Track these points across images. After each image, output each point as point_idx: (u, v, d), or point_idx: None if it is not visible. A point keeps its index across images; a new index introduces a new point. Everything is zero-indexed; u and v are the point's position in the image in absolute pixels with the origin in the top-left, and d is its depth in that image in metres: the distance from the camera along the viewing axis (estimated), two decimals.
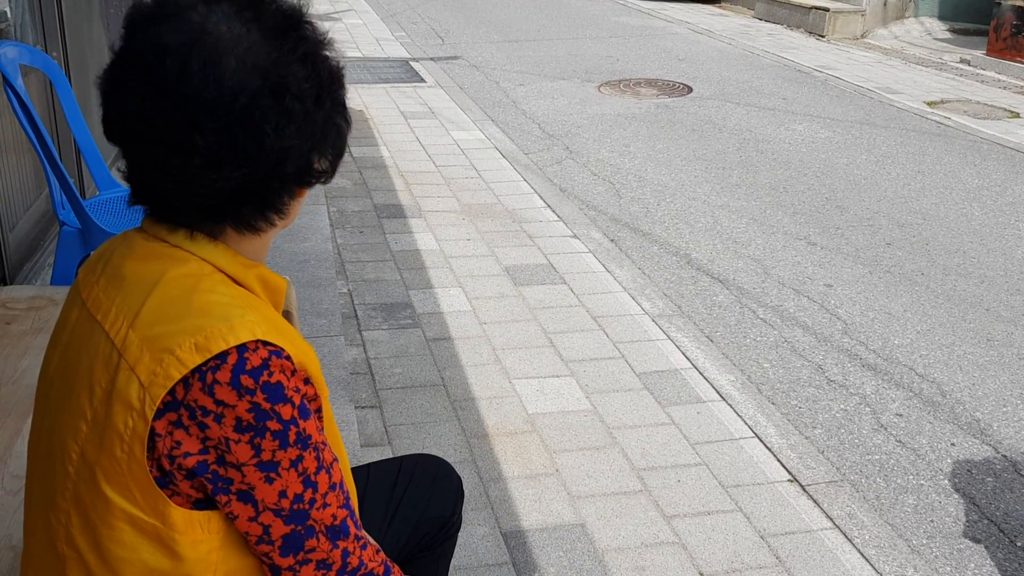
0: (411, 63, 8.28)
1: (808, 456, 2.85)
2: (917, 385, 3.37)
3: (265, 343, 1.01)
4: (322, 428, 1.09)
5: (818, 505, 2.62)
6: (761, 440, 2.91)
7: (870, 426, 3.11)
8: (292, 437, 1.02)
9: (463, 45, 9.33)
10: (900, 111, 7.28)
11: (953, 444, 3.03)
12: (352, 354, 3.28)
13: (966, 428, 3.12)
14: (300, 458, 1.03)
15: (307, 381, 1.06)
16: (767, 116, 6.98)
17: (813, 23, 10.69)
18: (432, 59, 8.55)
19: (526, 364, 3.28)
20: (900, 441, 3.03)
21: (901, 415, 3.18)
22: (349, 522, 1.10)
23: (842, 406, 3.22)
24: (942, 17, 11.36)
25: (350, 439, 2.70)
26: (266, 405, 1.00)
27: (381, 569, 1.14)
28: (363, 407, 2.96)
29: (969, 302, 4.05)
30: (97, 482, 1.02)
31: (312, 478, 1.04)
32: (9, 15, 3.52)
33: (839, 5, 10.71)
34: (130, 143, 1.05)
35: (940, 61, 9.27)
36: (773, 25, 11.27)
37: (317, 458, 1.05)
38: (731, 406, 3.09)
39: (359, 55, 8.53)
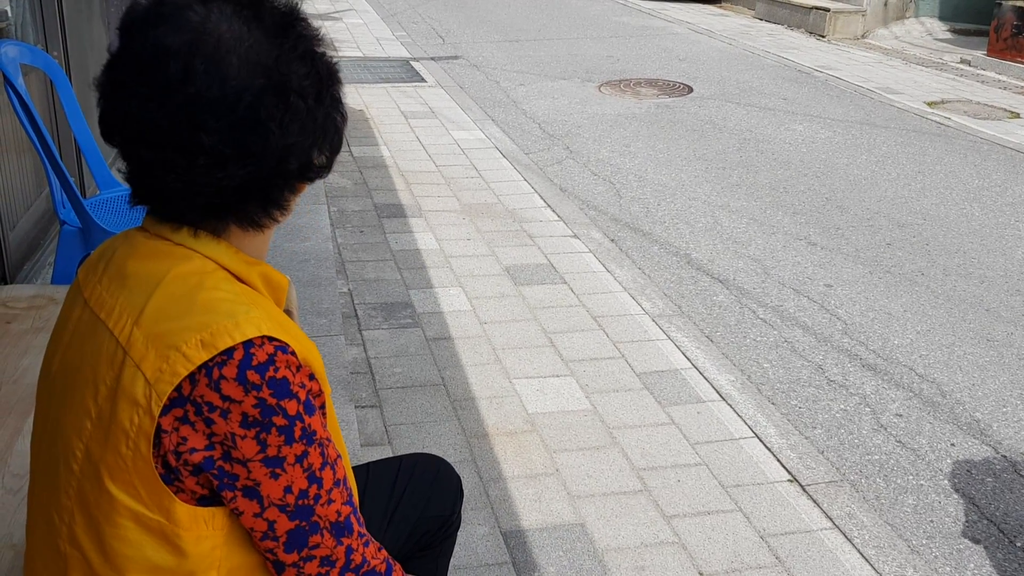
0: (411, 63, 8.28)
1: (808, 456, 2.85)
2: (917, 385, 3.38)
3: (270, 339, 1.02)
4: (326, 424, 1.09)
5: (818, 505, 2.62)
6: (761, 440, 2.91)
7: (870, 426, 3.11)
8: (297, 433, 1.02)
9: (464, 45, 9.33)
10: (900, 111, 7.28)
11: (953, 444, 3.03)
12: (352, 353, 3.28)
13: (966, 428, 3.13)
14: (305, 454, 1.03)
15: (312, 377, 1.06)
16: (767, 116, 6.98)
17: (813, 23, 10.69)
18: (433, 59, 8.55)
19: (526, 364, 3.28)
20: (900, 441, 3.04)
21: (901, 415, 3.18)
22: (353, 519, 1.10)
23: (842, 406, 3.22)
24: (942, 17, 11.36)
25: (350, 438, 2.71)
26: (272, 401, 1.00)
27: (383, 567, 1.14)
28: (363, 406, 2.96)
29: (969, 302, 4.05)
30: (102, 479, 1.02)
31: (317, 474, 1.05)
32: (10, 14, 3.53)
33: (840, 5, 10.71)
34: (132, 144, 1.05)
35: (940, 61, 9.27)
36: (773, 25, 11.27)
37: (322, 454, 1.05)
38: (731, 406, 3.09)
39: (359, 55, 8.53)
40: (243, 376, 0.99)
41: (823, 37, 10.47)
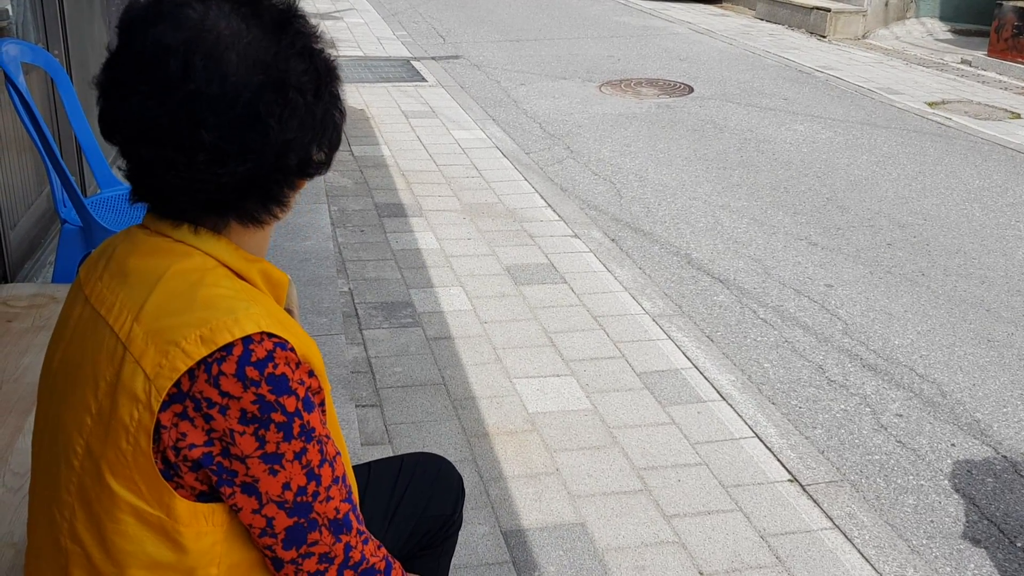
0: (412, 62, 8.28)
1: (808, 456, 2.85)
2: (917, 385, 3.38)
3: (270, 335, 1.02)
4: (325, 422, 1.09)
5: (818, 505, 2.62)
6: (761, 440, 2.91)
7: (870, 426, 3.11)
8: (296, 429, 1.02)
9: (464, 44, 9.33)
10: (901, 111, 7.28)
11: (953, 444, 3.03)
12: (353, 353, 3.28)
13: (966, 429, 3.12)
14: (304, 450, 1.03)
15: (311, 374, 1.07)
16: (768, 116, 6.98)
17: (814, 23, 10.69)
18: (433, 58, 8.55)
19: (526, 363, 3.28)
20: (900, 441, 3.04)
21: (901, 415, 3.18)
22: (352, 516, 1.10)
23: (842, 406, 3.22)
24: (943, 18, 11.36)
25: (351, 438, 2.71)
26: (271, 397, 1.00)
27: (383, 564, 1.14)
28: (363, 406, 2.96)
29: (970, 303, 4.05)
30: (102, 475, 1.02)
31: (316, 471, 1.05)
32: (11, 12, 3.52)
33: (840, 5, 10.71)
34: (132, 142, 1.06)
35: (941, 62, 9.27)
36: (774, 25, 11.27)
37: (321, 451, 1.06)
38: (731, 406, 3.09)
39: (360, 54, 8.53)
40: (242, 372, 0.99)
41: (824, 37, 10.47)
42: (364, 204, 4.76)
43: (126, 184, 3.21)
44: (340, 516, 1.08)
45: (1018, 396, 3.33)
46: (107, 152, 3.32)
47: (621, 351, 3.41)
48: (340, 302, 3.60)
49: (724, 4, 12.84)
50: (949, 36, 10.72)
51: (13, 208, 3.26)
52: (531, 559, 2.34)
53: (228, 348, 1.00)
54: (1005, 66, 8.72)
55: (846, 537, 2.50)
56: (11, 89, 2.64)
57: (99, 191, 3.16)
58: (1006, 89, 8.23)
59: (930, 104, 7.55)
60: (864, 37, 10.59)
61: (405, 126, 6.23)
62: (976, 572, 2.48)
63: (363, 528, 1.13)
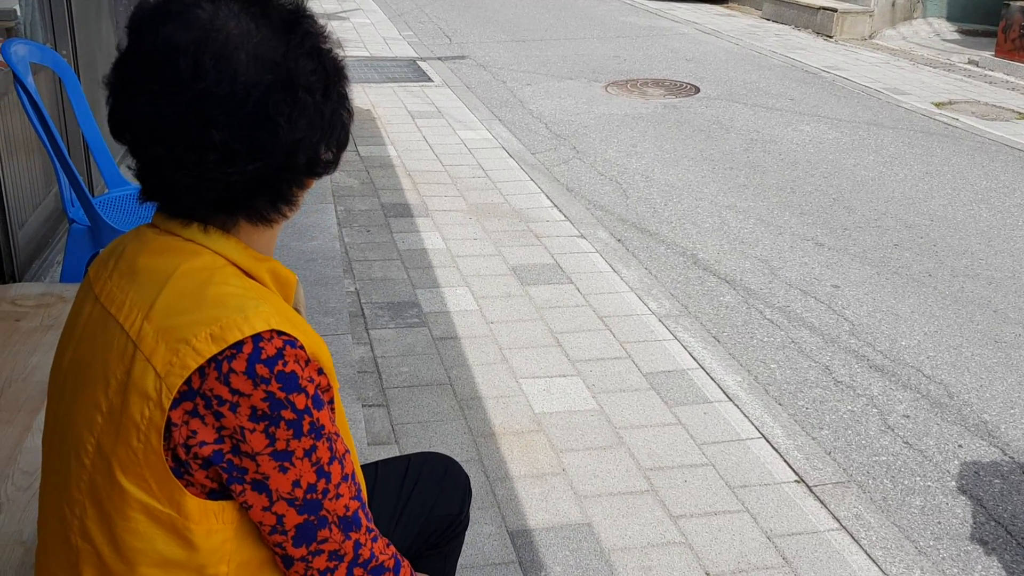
0: (418, 62, 8.29)
1: (815, 457, 2.85)
2: (924, 386, 3.37)
3: (280, 333, 1.03)
4: (334, 419, 1.09)
5: (825, 506, 2.62)
6: (768, 441, 2.90)
7: (877, 427, 3.10)
8: (306, 427, 1.03)
9: (470, 45, 9.34)
10: (908, 112, 7.27)
11: (960, 446, 3.03)
12: (359, 352, 3.29)
13: (973, 430, 3.12)
14: (313, 448, 1.04)
15: (320, 372, 1.07)
16: (774, 116, 6.97)
17: (821, 24, 10.67)
18: (439, 58, 8.56)
19: (533, 363, 3.28)
20: (907, 442, 3.03)
21: (908, 416, 3.18)
22: (361, 514, 1.10)
23: (849, 407, 3.22)
24: (950, 18, 11.34)
25: (357, 437, 2.71)
26: (281, 394, 1.01)
27: (392, 562, 1.15)
28: (370, 405, 2.96)
29: (977, 303, 4.04)
30: (113, 473, 1.03)
31: (325, 468, 1.05)
32: (19, 13, 3.54)
33: (847, 6, 10.69)
34: (142, 142, 1.06)
35: (948, 62, 9.24)
36: (780, 26, 11.25)
37: (330, 448, 1.06)
38: (738, 407, 3.09)
39: (366, 54, 8.54)
40: (252, 370, 1.00)
41: (830, 38, 10.45)
42: (370, 204, 4.77)
43: (133, 184, 3.22)
44: (350, 514, 1.09)
45: None
46: (115, 152, 3.33)
47: (627, 351, 3.41)
48: (346, 302, 3.60)
49: (730, 4, 12.83)
50: (956, 36, 10.69)
51: (21, 208, 3.27)
52: (537, 559, 2.34)
53: (238, 346, 1.00)
54: (1012, 66, 8.69)
55: (853, 538, 2.49)
56: (20, 89, 2.65)
57: (107, 191, 3.17)
58: (1013, 89, 8.21)
59: (937, 104, 7.53)
60: (871, 37, 10.56)
61: (411, 126, 6.23)
62: (983, 574, 2.48)
63: (372, 526, 1.13)
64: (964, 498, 2.77)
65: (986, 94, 8.00)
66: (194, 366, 1.00)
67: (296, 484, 1.04)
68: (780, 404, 3.20)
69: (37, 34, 3.70)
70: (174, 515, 1.03)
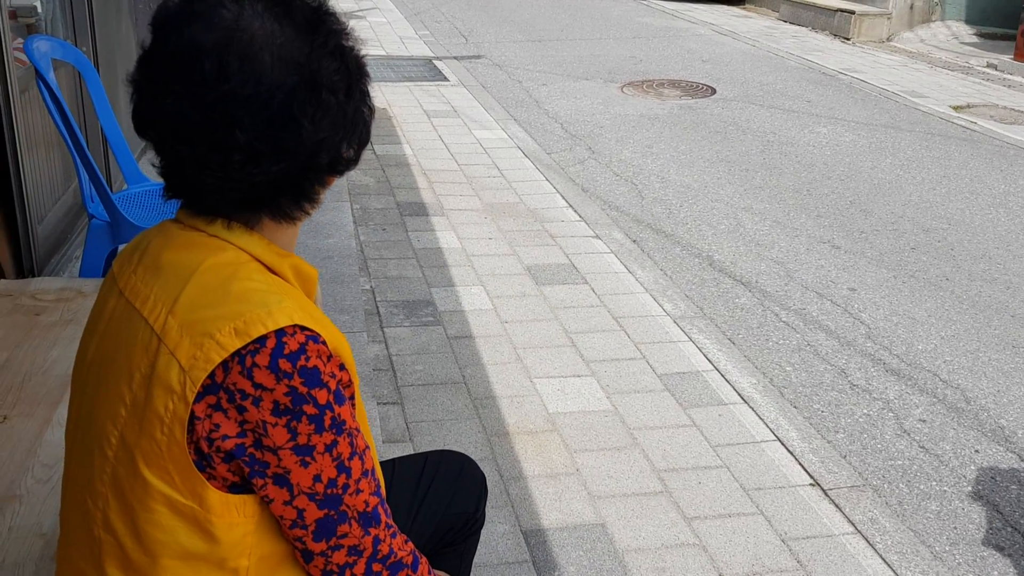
0: (434, 62, 8.30)
1: (830, 460, 2.84)
2: (941, 391, 3.35)
3: (302, 328, 1.03)
4: (355, 415, 1.10)
5: (840, 510, 2.61)
6: (783, 443, 2.89)
7: (893, 431, 3.09)
8: (327, 422, 1.03)
9: (486, 44, 9.34)
10: (925, 115, 7.23)
11: (977, 451, 3.01)
12: (374, 350, 3.30)
13: (990, 435, 3.10)
14: (335, 443, 1.04)
15: (342, 367, 1.08)
16: (791, 118, 6.94)
17: (838, 25, 10.62)
18: (455, 58, 8.57)
19: (547, 363, 3.28)
20: (923, 447, 3.01)
21: (924, 421, 3.16)
22: (380, 510, 1.11)
23: (865, 411, 3.20)
24: (969, 21, 11.26)
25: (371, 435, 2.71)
26: (303, 389, 1.01)
27: (410, 559, 1.15)
28: (385, 403, 2.97)
29: (994, 308, 4.02)
30: (136, 465, 1.04)
31: (346, 463, 1.06)
32: (39, 9, 3.56)
33: (865, 8, 10.64)
34: (167, 141, 1.07)
35: (966, 65, 9.19)
36: (798, 27, 11.21)
37: (351, 444, 1.06)
38: (753, 409, 3.08)
39: (383, 53, 8.56)
40: (275, 364, 1.00)
41: (848, 40, 10.40)
42: (386, 203, 4.78)
43: (152, 180, 3.24)
44: (369, 509, 1.09)
45: None
46: (133, 148, 3.35)
47: (642, 352, 3.41)
48: (362, 300, 3.61)
49: (747, 6, 12.79)
50: (975, 39, 10.63)
51: (41, 203, 3.29)
52: (551, 559, 2.34)
53: (262, 340, 1.01)
54: None
55: (868, 542, 2.48)
56: (41, 85, 2.67)
57: (126, 187, 3.19)
58: None
59: (955, 108, 7.49)
60: (888, 40, 10.51)
61: (427, 125, 6.24)
62: None
63: (391, 522, 1.14)
64: (980, 503, 2.75)
65: (1005, 98, 7.94)
66: (218, 360, 1.00)
67: (317, 479, 1.04)
68: (795, 407, 3.19)
69: (57, 31, 3.73)
70: (196, 508, 1.04)
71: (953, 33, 10.90)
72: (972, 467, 2.92)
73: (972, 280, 4.29)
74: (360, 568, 1.09)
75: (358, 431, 1.09)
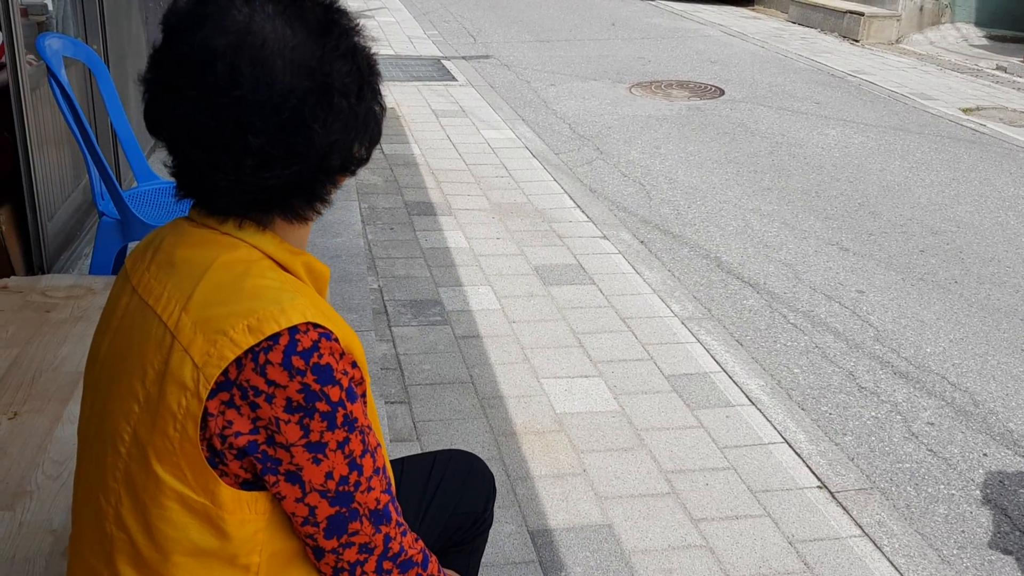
0: (443, 61, 8.31)
1: (838, 463, 2.83)
2: (949, 394, 3.34)
3: (315, 326, 1.04)
4: (367, 413, 1.10)
5: (847, 512, 2.60)
6: (790, 446, 2.89)
7: (901, 434, 3.08)
8: (340, 419, 1.04)
9: (495, 44, 9.35)
10: (935, 117, 7.21)
11: (985, 454, 3.00)
12: (382, 349, 3.30)
13: (999, 439, 3.09)
14: (347, 440, 1.05)
15: (354, 365, 1.08)
16: (800, 120, 6.93)
17: (847, 27, 10.60)
18: (464, 58, 8.57)
19: (554, 363, 3.28)
20: (931, 450, 3.01)
21: (933, 424, 3.15)
22: (391, 508, 1.11)
23: (873, 413, 3.19)
24: (979, 23, 11.22)
25: None
26: (316, 386, 1.01)
27: (420, 557, 1.15)
28: (392, 402, 2.98)
29: (1003, 311, 4.00)
30: (149, 462, 1.04)
31: (358, 461, 1.06)
32: (51, 7, 3.58)
33: (874, 10, 10.61)
34: (179, 143, 1.07)
35: (976, 68, 9.16)
36: (807, 29, 11.19)
37: (363, 441, 1.07)
38: (760, 411, 3.07)
39: (391, 53, 8.57)
40: (288, 361, 1.01)
41: (857, 41, 10.37)
42: (394, 202, 4.79)
43: (162, 178, 3.25)
44: (380, 507, 1.09)
45: None
46: (143, 145, 3.36)
47: (649, 353, 3.40)
48: (370, 299, 3.62)
49: (756, 7, 12.77)
50: (984, 42, 10.59)
51: (51, 200, 3.30)
52: (558, 559, 2.34)
53: (275, 338, 1.01)
54: None
55: (875, 545, 2.48)
56: (53, 82, 2.68)
57: (135, 184, 3.20)
58: None
59: (964, 110, 7.46)
60: (898, 42, 10.48)
61: (435, 125, 6.25)
62: None
63: (402, 520, 1.14)
64: (988, 507, 2.75)
65: (1014, 100, 7.91)
66: (231, 357, 1.01)
67: (329, 476, 1.04)
68: (803, 409, 3.18)
69: (68, 28, 3.74)
70: (208, 504, 1.04)
71: (963, 35, 10.87)
72: (980, 470, 2.91)
73: (981, 283, 4.27)
74: (371, 565, 1.10)
75: (370, 429, 1.09)
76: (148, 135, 1.11)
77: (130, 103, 3.96)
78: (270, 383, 1.01)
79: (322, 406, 1.02)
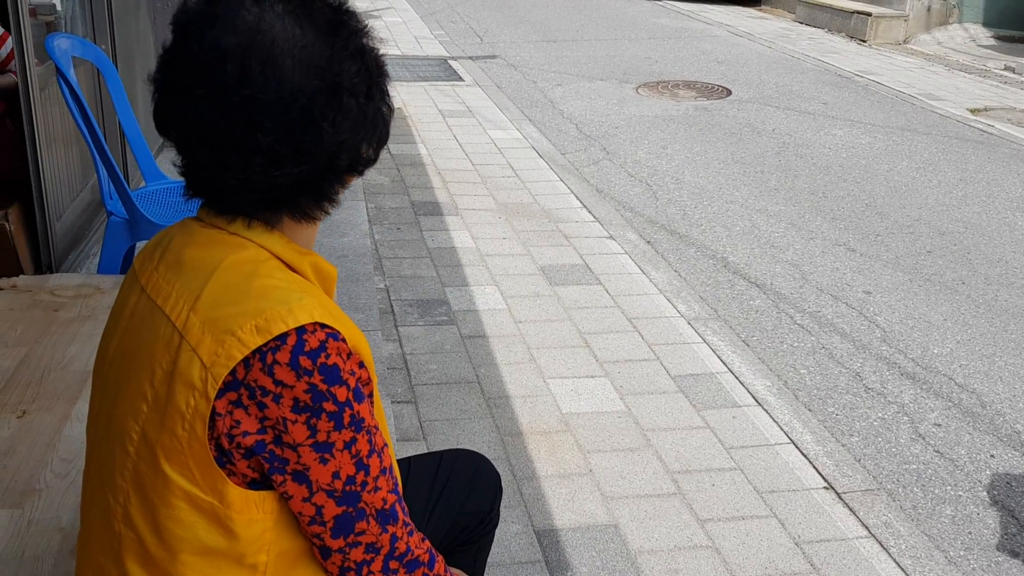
0: (449, 62, 8.31)
1: (844, 464, 2.83)
2: (956, 395, 3.33)
3: (323, 326, 1.04)
4: (374, 413, 1.10)
5: (854, 513, 2.60)
6: (797, 446, 2.89)
7: (908, 435, 3.08)
8: (346, 419, 1.04)
9: (501, 44, 9.35)
10: (942, 118, 7.19)
11: (992, 456, 2.99)
12: (388, 349, 3.31)
13: (1006, 440, 3.08)
14: (353, 440, 1.05)
15: (361, 365, 1.08)
16: (807, 120, 6.92)
17: (855, 27, 10.58)
18: (470, 58, 8.57)
19: (560, 364, 3.28)
20: (938, 451, 3.00)
21: (940, 425, 3.15)
22: (398, 508, 1.11)
23: (880, 414, 3.19)
24: (987, 23, 11.19)
25: None
26: (323, 386, 1.02)
27: (427, 557, 1.16)
28: (399, 402, 2.98)
29: (1011, 312, 3.99)
30: (157, 461, 1.04)
31: (364, 461, 1.06)
32: (59, 7, 3.59)
33: (881, 10, 10.59)
34: (188, 142, 1.07)
35: (984, 68, 9.13)
36: (814, 29, 11.17)
37: (369, 441, 1.07)
38: (767, 411, 3.07)
39: (398, 53, 8.58)
40: (296, 361, 1.01)
41: (864, 42, 10.35)
42: (401, 202, 4.79)
43: (170, 178, 3.26)
44: (387, 507, 1.10)
45: None
46: (151, 145, 3.37)
47: (656, 353, 3.40)
48: (376, 299, 3.62)
49: (763, 7, 12.75)
50: (992, 42, 10.56)
51: (59, 200, 3.32)
52: (564, 559, 2.34)
53: (282, 338, 1.01)
54: None
55: (882, 546, 2.47)
56: (61, 82, 2.69)
57: (143, 184, 3.21)
58: None
59: (972, 111, 7.44)
60: (905, 42, 10.46)
61: (442, 125, 6.25)
62: None
63: (409, 520, 1.14)
64: (995, 509, 2.74)
65: (1022, 101, 7.89)
66: (239, 357, 1.01)
67: (336, 476, 1.05)
68: (810, 410, 3.18)
69: (77, 28, 3.76)
70: (216, 504, 1.04)
71: (970, 36, 10.84)
72: (987, 472, 2.91)
73: (988, 284, 4.26)
74: (377, 565, 1.10)
75: (376, 429, 1.09)
76: (156, 135, 1.12)
77: (138, 103, 3.98)
78: (277, 383, 1.01)
79: (329, 406, 1.03)
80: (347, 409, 1.04)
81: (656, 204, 5.10)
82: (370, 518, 1.08)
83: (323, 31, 1.06)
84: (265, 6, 1.04)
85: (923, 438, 3.07)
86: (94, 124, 2.71)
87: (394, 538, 1.11)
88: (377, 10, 10.94)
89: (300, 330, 1.02)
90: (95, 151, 2.75)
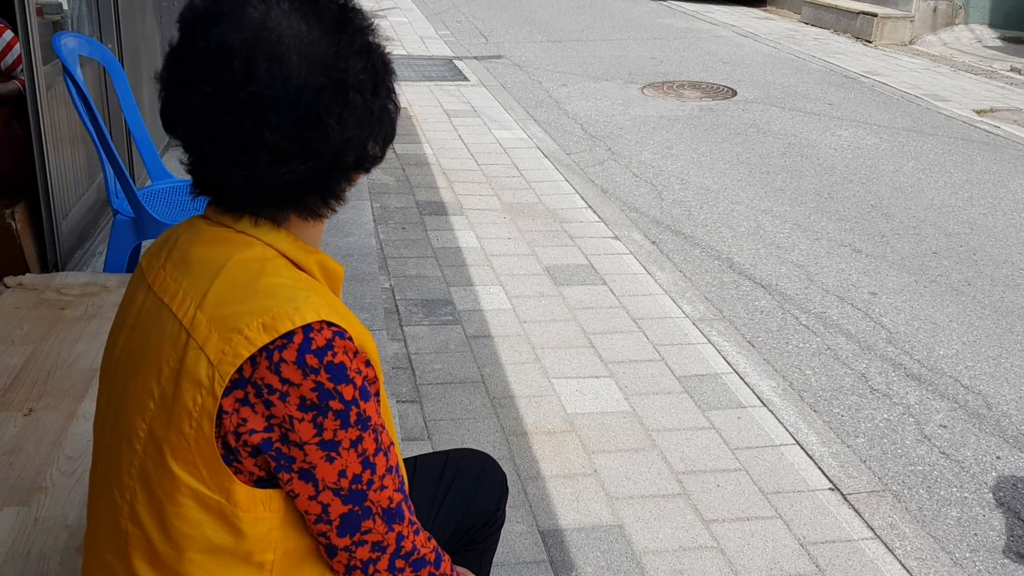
0: (455, 61, 8.31)
1: (850, 465, 2.82)
2: (962, 397, 3.33)
3: (329, 324, 1.04)
4: (380, 411, 1.10)
5: (859, 514, 2.59)
6: (802, 447, 2.88)
7: (913, 436, 3.07)
8: (353, 417, 1.04)
9: (506, 44, 9.35)
10: (948, 119, 7.17)
11: (999, 457, 2.98)
12: (393, 349, 3.31)
13: (1012, 442, 3.07)
14: (360, 439, 1.05)
15: (367, 364, 1.08)
16: (812, 121, 6.91)
17: (860, 28, 10.56)
18: (476, 58, 8.58)
19: (565, 364, 3.28)
20: (944, 453, 2.99)
21: (945, 426, 3.14)
22: (404, 506, 1.11)
23: (885, 415, 3.18)
24: (993, 24, 11.16)
25: None
26: (329, 385, 1.02)
27: (433, 556, 1.16)
28: (403, 402, 2.98)
29: (1017, 314, 3.98)
30: (164, 459, 1.05)
31: (371, 459, 1.06)
32: (65, 6, 3.60)
33: (887, 11, 10.57)
34: (195, 139, 1.07)
35: (990, 69, 9.11)
36: (819, 30, 11.15)
37: (376, 440, 1.07)
38: (772, 412, 3.07)
39: (404, 53, 8.59)
40: (302, 360, 1.01)
41: (870, 42, 10.34)
42: (406, 202, 4.79)
43: (176, 177, 3.26)
44: (393, 505, 1.10)
45: None
46: (158, 144, 3.37)
47: (660, 354, 3.40)
48: (381, 298, 3.63)
49: (769, 8, 12.74)
50: (998, 43, 10.54)
51: (65, 198, 3.32)
52: (568, 559, 2.34)
53: (289, 336, 1.02)
54: None
55: (887, 548, 2.47)
56: (68, 81, 2.70)
57: (149, 183, 3.22)
58: None
59: (978, 112, 7.43)
60: (911, 43, 10.44)
61: (447, 125, 6.25)
62: None
63: (415, 519, 1.14)
64: (1001, 510, 2.73)
65: None
66: (246, 355, 1.01)
67: (342, 474, 1.05)
68: (815, 411, 3.17)
69: (83, 27, 3.77)
70: (223, 502, 1.04)
71: (976, 37, 10.81)
72: (993, 473, 2.90)
73: (994, 285, 4.25)
74: (383, 564, 1.10)
75: (383, 427, 1.09)
76: (162, 134, 1.12)
77: (144, 102, 3.98)
78: (284, 381, 1.01)
79: (335, 404, 1.03)
80: (353, 407, 1.04)
81: (661, 204, 5.09)
82: (376, 517, 1.08)
83: (329, 28, 1.06)
84: (271, 3, 1.05)
85: (929, 439, 3.06)
86: (100, 123, 2.71)
87: (400, 537, 1.11)
88: (382, 10, 10.94)
89: (307, 328, 1.02)
90: (101, 150, 2.76)
